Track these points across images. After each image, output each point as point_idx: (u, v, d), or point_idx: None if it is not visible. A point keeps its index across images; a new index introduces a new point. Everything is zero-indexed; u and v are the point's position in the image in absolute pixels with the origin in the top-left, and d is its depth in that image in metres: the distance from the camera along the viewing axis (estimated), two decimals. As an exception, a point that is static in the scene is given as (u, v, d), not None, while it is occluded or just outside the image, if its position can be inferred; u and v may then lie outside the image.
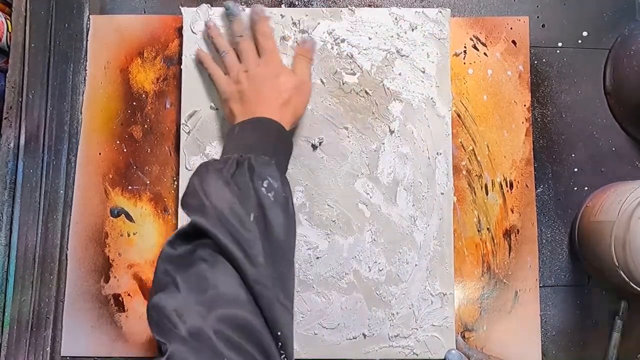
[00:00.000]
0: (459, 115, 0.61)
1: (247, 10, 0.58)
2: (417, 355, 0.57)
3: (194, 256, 0.40)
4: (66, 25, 0.62)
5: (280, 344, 0.38)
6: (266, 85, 0.53)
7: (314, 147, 0.59)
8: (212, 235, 0.40)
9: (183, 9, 0.60)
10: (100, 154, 0.61)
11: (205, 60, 0.58)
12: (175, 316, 0.36)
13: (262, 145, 0.48)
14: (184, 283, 0.39)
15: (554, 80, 0.63)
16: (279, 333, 0.38)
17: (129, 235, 0.61)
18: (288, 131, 0.52)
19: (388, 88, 0.59)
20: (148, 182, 0.61)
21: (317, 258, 0.58)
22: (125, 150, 0.62)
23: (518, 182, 0.61)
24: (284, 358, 0.38)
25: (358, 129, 0.59)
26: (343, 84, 0.59)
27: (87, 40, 0.63)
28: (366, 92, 0.59)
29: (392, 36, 0.60)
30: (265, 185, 0.44)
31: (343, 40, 0.59)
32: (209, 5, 0.60)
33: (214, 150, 0.59)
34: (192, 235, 0.42)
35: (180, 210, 0.58)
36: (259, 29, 0.56)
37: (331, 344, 0.57)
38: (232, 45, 0.57)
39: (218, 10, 0.60)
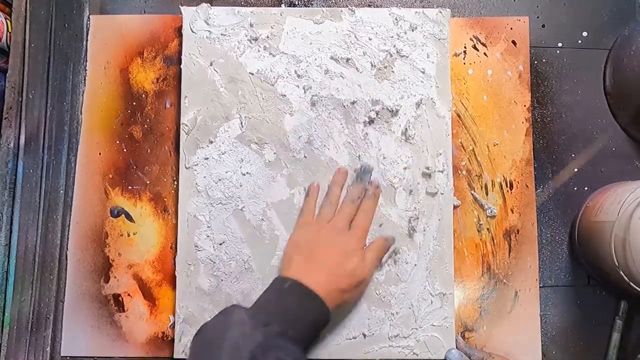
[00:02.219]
0: (459, 115, 0.61)
1: (374, 180, 0.58)
2: (417, 355, 0.57)
3: None
4: (66, 25, 0.62)
5: None
6: (337, 262, 0.52)
7: (314, 147, 0.59)
8: None
9: (183, 9, 0.60)
10: (100, 154, 0.61)
11: (311, 197, 0.57)
12: None
13: (300, 323, 0.48)
14: None
15: (554, 80, 0.63)
16: None
17: (129, 235, 0.61)
18: (329, 314, 0.50)
19: (388, 88, 0.59)
20: (148, 182, 0.61)
21: (317, 258, 0.58)
22: (125, 150, 0.62)
23: (518, 182, 0.61)
24: None
25: (357, 130, 0.59)
26: (342, 79, 0.59)
27: (87, 40, 0.63)
28: (366, 92, 0.59)
29: (392, 36, 0.60)
30: None
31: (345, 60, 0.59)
32: (208, 4, 0.60)
33: (214, 150, 0.59)
34: None
35: (180, 209, 0.58)
36: (364, 203, 0.57)
37: (331, 344, 0.57)
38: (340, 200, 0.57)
39: (218, 10, 0.60)
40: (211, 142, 0.59)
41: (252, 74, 0.59)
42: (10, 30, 0.60)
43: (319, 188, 0.58)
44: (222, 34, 0.60)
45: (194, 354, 0.45)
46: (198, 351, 0.45)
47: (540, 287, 0.60)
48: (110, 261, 0.60)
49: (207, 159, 0.59)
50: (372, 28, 0.60)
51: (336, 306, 0.51)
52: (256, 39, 0.59)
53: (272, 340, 0.44)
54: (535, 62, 0.63)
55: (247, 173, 0.58)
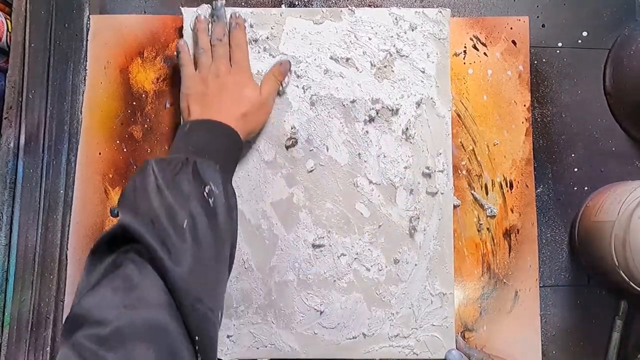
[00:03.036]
0: (459, 115, 0.61)
1: (236, 12, 0.58)
2: (417, 355, 0.57)
3: (121, 259, 0.39)
4: (66, 25, 0.62)
5: (197, 347, 0.38)
6: (229, 95, 0.54)
7: (314, 146, 0.59)
8: (141, 239, 0.39)
9: (183, 9, 0.60)
10: (100, 153, 0.62)
11: (182, 52, 0.58)
12: (96, 314, 0.36)
13: (212, 148, 0.49)
14: (109, 283, 0.38)
15: (554, 80, 0.63)
16: (196, 338, 0.38)
17: (129, 235, 0.60)
18: (240, 137, 0.52)
19: (388, 87, 0.59)
20: (148, 182, 0.61)
21: (317, 258, 0.58)
22: (125, 150, 0.62)
23: (518, 182, 0.61)
24: None
25: (357, 129, 0.59)
26: (342, 78, 0.59)
27: (87, 40, 0.63)
28: (366, 91, 0.59)
29: (392, 36, 0.60)
30: (206, 190, 0.44)
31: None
32: (209, 5, 0.60)
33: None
34: (120, 238, 0.40)
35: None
36: (233, 38, 0.57)
37: (331, 343, 0.57)
38: (210, 45, 0.57)
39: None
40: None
41: (252, 74, 0.59)
42: (10, 30, 0.60)
43: (186, 43, 0.58)
44: (222, 34, 0.60)
45: (124, 200, 0.44)
46: (127, 196, 0.44)
47: (540, 287, 0.60)
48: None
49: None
50: (372, 28, 0.60)
51: (243, 130, 0.53)
52: (256, 40, 0.59)
53: (188, 168, 0.45)
54: (535, 62, 0.63)
55: (246, 172, 0.58)
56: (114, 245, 0.40)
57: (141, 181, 0.44)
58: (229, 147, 0.51)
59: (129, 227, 0.40)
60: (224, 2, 0.58)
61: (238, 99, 0.54)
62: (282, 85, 0.58)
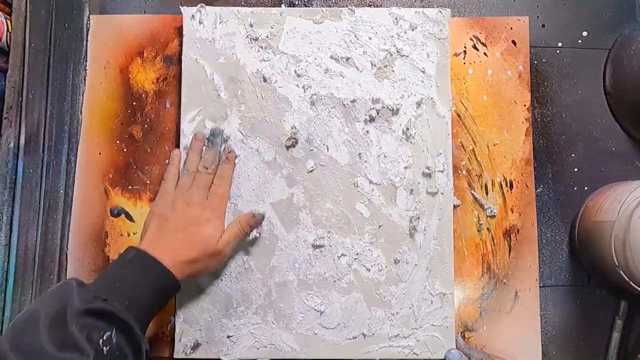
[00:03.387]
0: (459, 115, 0.61)
1: (228, 145, 0.58)
2: (417, 355, 0.57)
3: None
4: (66, 25, 0.62)
5: None
6: (187, 232, 0.52)
7: (314, 146, 0.59)
8: None
9: (183, 9, 0.60)
10: (100, 153, 0.61)
11: (172, 165, 0.57)
12: None
13: (137, 295, 0.47)
14: None
15: (554, 80, 0.63)
16: None
17: (129, 235, 0.61)
18: (177, 282, 0.50)
19: (388, 87, 0.59)
20: (148, 182, 0.61)
21: (317, 258, 0.58)
22: (125, 150, 0.62)
23: (518, 182, 0.61)
24: None
25: (358, 129, 0.59)
26: (342, 77, 0.59)
27: (87, 40, 0.63)
28: (366, 91, 0.59)
29: (392, 36, 0.60)
30: (104, 337, 0.42)
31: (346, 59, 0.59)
32: (202, 5, 0.60)
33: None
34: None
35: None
36: (220, 170, 0.57)
37: (331, 344, 0.57)
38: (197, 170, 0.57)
39: (218, 10, 0.60)
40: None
41: (252, 73, 0.59)
42: (10, 30, 0.60)
43: (180, 155, 0.58)
44: (222, 34, 0.60)
45: (15, 323, 0.43)
46: (18, 320, 0.43)
47: (540, 287, 0.60)
48: (111, 261, 0.60)
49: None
50: (372, 27, 0.60)
51: (187, 276, 0.51)
52: (256, 39, 0.59)
53: (95, 308, 0.43)
54: (535, 62, 0.63)
55: (246, 172, 0.58)
56: None
57: (41, 307, 0.43)
58: (158, 299, 0.49)
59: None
60: (223, 130, 0.57)
61: (192, 241, 0.52)
62: (249, 236, 0.56)
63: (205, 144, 0.58)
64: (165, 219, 0.53)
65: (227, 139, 0.58)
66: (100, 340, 0.42)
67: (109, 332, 0.43)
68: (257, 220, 0.56)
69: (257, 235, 0.57)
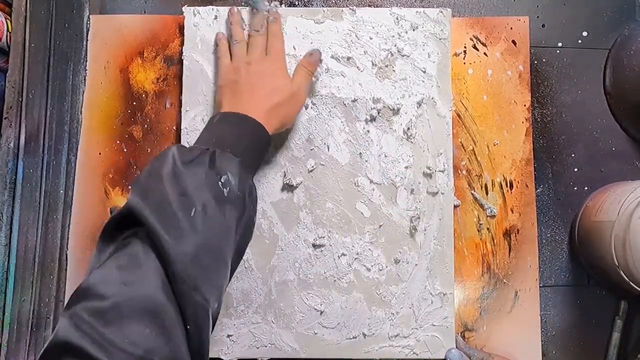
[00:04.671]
0: (459, 115, 0.61)
1: (272, 5, 0.58)
2: (417, 355, 0.57)
3: (129, 239, 0.40)
4: (66, 25, 0.62)
5: (189, 334, 0.38)
6: (262, 84, 0.53)
7: (314, 145, 0.59)
8: (146, 222, 0.39)
9: (184, 9, 0.60)
10: (100, 153, 0.61)
11: (220, 43, 0.58)
12: (98, 288, 0.37)
13: (236, 141, 0.48)
14: (115, 261, 0.39)
15: (554, 80, 0.63)
16: (187, 326, 0.38)
17: (129, 235, 0.60)
18: (268, 133, 0.51)
19: (389, 87, 0.59)
20: (148, 182, 0.61)
21: (317, 258, 0.58)
22: (125, 150, 0.62)
23: (518, 182, 0.61)
24: (189, 350, 0.38)
25: (358, 128, 0.59)
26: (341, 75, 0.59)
27: (87, 40, 0.63)
28: (367, 90, 0.59)
29: (393, 36, 0.60)
30: (222, 180, 0.43)
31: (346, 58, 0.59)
32: (201, 5, 0.60)
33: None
34: (127, 220, 0.40)
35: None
36: (271, 29, 0.57)
37: (331, 343, 0.57)
38: (246, 37, 0.57)
39: (219, 10, 0.60)
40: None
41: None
42: (10, 30, 0.60)
43: (224, 35, 0.59)
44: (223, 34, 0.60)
45: (138, 180, 0.44)
46: (140, 179, 0.44)
47: (540, 287, 0.60)
48: (110, 261, 0.60)
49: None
50: (373, 27, 0.60)
51: (274, 126, 0.52)
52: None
53: (206, 156, 0.45)
54: (535, 62, 0.63)
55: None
56: (123, 227, 0.41)
57: (158, 165, 0.44)
58: (253, 142, 0.50)
59: (134, 209, 0.40)
60: (274, 8, 0.58)
61: (269, 90, 0.53)
62: (314, 77, 0.58)
63: (250, 11, 0.58)
64: (235, 83, 0.54)
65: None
66: (219, 183, 0.43)
67: (225, 176, 0.44)
68: (316, 57, 0.57)
69: (320, 74, 0.58)
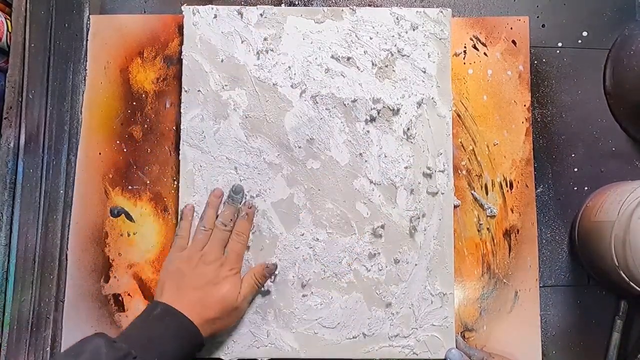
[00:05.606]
0: (459, 115, 0.61)
1: (249, 199, 0.58)
2: (417, 355, 0.57)
3: None
4: (66, 25, 0.62)
5: None
6: (206, 291, 0.52)
7: (314, 146, 0.59)
8: None
9: (184, 8, 0.60)
10: (100, 153, 0.61)
11: (185, 220, 0.57)
12: None
13: (167, 349, 0.48)
14: None
15: (554, 80, 0.63)
16: None
17: (129, 235, 0.61)
18: (202, 340, 0.51)
19: (389, 87, 0.59)
20: (148, 182, 0.61)
21: (317, 258, 0.58)
22: (125, 150, 0.62)
23: (518, 182, 0.61)
24: None
25: (358, 129, 0.59)
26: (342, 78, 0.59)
27: (87, 40, 0.63)
28: (367, 90, 0.59)
29: (393, 36, 0.60)
30: None
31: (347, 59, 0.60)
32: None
33: (215, 149, 0.59)
34: None
35: (180, 209, 0.58)
36: (238, 227, 0.57)
37: (331, 343, 0.57)
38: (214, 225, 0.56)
39: (219, 9, 0.60)
40: (211, 142, 0.59)
41: (253, 73, 0.59)
42: (10, 30, 0.60)
43: (193, 209, 0.58)
44: (222, 34, 0.60)
45: None
46: None
47: (540, 287, 0.60)
48: (110, 261, 0.60)
49: (208, 158, 0.59)
50: (373, 27, 0.60)
51: (209, 334, 0.51)
52: (257, 39, 0.59)
53: None
54: (535, 62, 0.63)
55: (247, 172, 0.58)
56: None
57: (77, 355, 0.43)
58: (186, 352, 0.49)
59: None
60: (243, 188, 0.57)
61: (211, 301, 0.52)
62: (263, 287, 0.56)
63: (226, 200, 0.57)
64: (182, 276, 0.53)
65: (247, 196, 0.58)
66: None
67: None
68: (270, 271, 0.57)
69: (271, 283, 0.57)
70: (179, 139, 0.59)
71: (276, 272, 0.57)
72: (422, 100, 0.59)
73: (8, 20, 0.60)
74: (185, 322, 0.50)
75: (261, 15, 0.60)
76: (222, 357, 0.56)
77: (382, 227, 0.58)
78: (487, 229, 0.60)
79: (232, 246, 0.56)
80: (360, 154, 0.58)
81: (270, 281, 0.57)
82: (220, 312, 0.52)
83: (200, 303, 0.52)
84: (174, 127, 0.61)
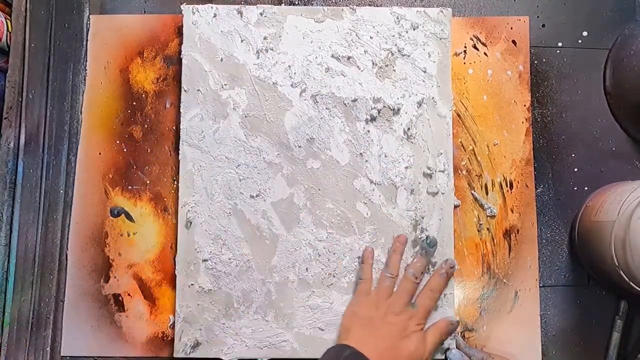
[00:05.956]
0: (459, 115, 0.61)
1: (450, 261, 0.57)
2: (417, 355, 0.57)
3: None
4: (66, 25, 0.62)
5: None
6: (395, 343, 0.51)
7: (315, 145, 0.59)
8: None
9: (183, 7, 0.60)
10: (100, 153, 0.61)
11: (366, 264, 0.56)
12: None
13: None
14: None
15: (554, 80, 0.63)
16: None
17: (129, 235, 0.61)
18: None
19: (389, 87, 0.59)
20: (148, 182, 0.61)
21: (317, 258, 0.58)
22: (125, 150, 0.62)
23: (518, 182, 0.61)
24: None
25: (359, 128, 0.59)
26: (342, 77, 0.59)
27: (87, 40, 0.63)
28: (367, 90, 0.59)
29: (393, 35, 0.60)
30: None
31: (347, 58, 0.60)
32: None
33: (214, 149, 0.59)
34: None
35: (180, 209, 0.58)
36: (433, 282, 0.56)
37: (331, 343, 0.57)
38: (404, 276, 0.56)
39: (218, 9, 0.60)
40: (211, 142, 0.59)
41: (253, 72, 0.59)
42: (10, 30, 0.60)
43: (373, 253, 0.57)
44: (222, 33, 0.60)
45: None
46: None
47: (540, 287, 0.60)
48: (110, 261, 0.60)
49: (207, 158, 0.59)
50: (374, 27, 0.60)
51: None
52: (256, 38, 0.59)
53: None
54: (535, 62, 0.63)
55: (247, 172, 0.58)
56: None
57: None
58: None
59: None
60: (437, 241, 0.56)
61: (401, 354, 0.51)
62: (442, 344, 0.55)
63: (419, 250, 0.57)
64: (370, 322, 0.53)
65: (436, 247, 0.57)
66: None
67: None
68: (454, 328, 0.55)
69: (450, 342, 0.56)
70: (179, 139, 0.59)
71: (458, 331, 0.56)
72: (423, 100, 0.59)
73: (8, 20, 0.60)
74: None
75: (261, 14, 0.60)
76: (222, 357, 0.56)
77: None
78: (487, 229, 0.60)
79: (424, 301, 0.55)
80: (361, 153, 0.58)
81: (451, 339, 0.56)
82: None
83: (389, 354, 0.50)
84: (174, 127, 0.61)
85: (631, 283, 0.51)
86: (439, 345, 0.55)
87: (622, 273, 0.52)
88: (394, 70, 0.59)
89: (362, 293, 0.55)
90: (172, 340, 0.57)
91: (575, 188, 0.62)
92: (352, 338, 0.52)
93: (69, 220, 0.61)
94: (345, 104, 0.59)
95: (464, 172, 0.61)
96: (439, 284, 0.56)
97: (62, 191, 0.61)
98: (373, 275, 0.56)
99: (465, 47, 0.62)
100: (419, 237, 0.57)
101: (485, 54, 0.62)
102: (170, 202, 0.61)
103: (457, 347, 0.56)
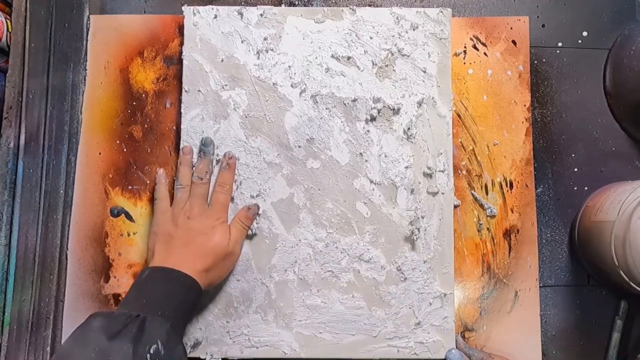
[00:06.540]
0: (459, 115, 0.61)
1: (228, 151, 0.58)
2: (417, 355, 0.57)
3: None
4: (66, 25, 0.62)
5: None
6: (198, 243, 0.52)
7: (315, 146, 0.59)
8: None
9: (184, 8, 0.60)
10: (100, 153, 0.61)
11: (159, 184, 0.58)
12: None
13: (166, 303, 0.47)
14: None
15: (554, 80, 0.63)
16: None
17: (129, 235, 0.61)
18: (200, 288, 0.50)
19: (389, 87, 0.59)
20: (148, 182, 0.61)
21: (317, 258, 0.58)
22: (125, 150, 0.62)
23: (518, 182, 0.61)
24: None
25: (358, 128, 0.59)
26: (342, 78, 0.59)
27: (87, 40, 0.63)
28: (367, 90, 0.59)
29: (393, 35, 0.60)
30: (151, 351, 0.43)
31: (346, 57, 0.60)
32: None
33: (215, 150, 0.59)
34: None
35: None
36: (220, 177, 0.57)
37: (331, 343, 0.57)
38: (191, 181, 0.57)
39: (219, 9, 0.60)
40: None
41: (253, 73, 0.59)
42: (10, 30, 0.60)
43: (164, 173, 0.59)
44: (222, 34, 0.60)
45: (60, 356, 0.43)
46: (64, 352, 0.43)
47: (540, 287, 0.60)
48: (110, 261, 0.60)
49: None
50: (373, 27, 0.60)
51: (206, 284, 0.51)
52: (257, 39, 0.59)
53: (134, 326, 0.43)
54: (535, 62, 0.63)
55: (247, 172, 0.58)
56: None
57: (82, 341, 0.43)
58: (185, 301, 0.49)
59: None
60: (213, 140, 0.57)
61: (203, 251, 0.52)
62: (250, 230, 0.57)
63: (198, 155, 0.58)
64: (170, 237, 0.53)
65: (217, 147, 0.58)
66: (148, 355, 0.42)
67: (155, 345, 0.43)
68: (253, 212, 0.57)
69: (257, 226, 0.57)
70: (179, 139, 0.59)
71: (259, 212, 0.57)
72: (423, 100, 0.59)
73: (8, 20, 0.60)
74: (175, 273, 0.49)
75: (261, 15, 0.60)
76: (222, 356, 0.56)
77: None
78: (487, 229, 0.60)
79: (216, 197, 0.56)
80: (361, 153, 0.58)
81: (256, 223, 0.57)
82: (214, 259, 0.52)
83: (192, 256, 0.51)
84: (174, 127, 0.61)
85: (631, 283, 0.52)
86: (245, 232, 0.56)
87: (622, 273, 0.52)
88: (394, 70, 0.59)
89: (159, 212, 0.56)
90: (172, 340, 0.57)
91: (575, 188, 0.62)
92: (157, 257, 0.52)
93: (69, 220, 0.61)
94: (345, 104, 0.59)
95: (464, 172, 0.61)
96: (224, 177, 0.57)
97: (62, 191, 0.61)
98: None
99: (465, 47, 0.62)
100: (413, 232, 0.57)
101: (485, 54, 0.62)
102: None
103: (457, 347, 0.56)
